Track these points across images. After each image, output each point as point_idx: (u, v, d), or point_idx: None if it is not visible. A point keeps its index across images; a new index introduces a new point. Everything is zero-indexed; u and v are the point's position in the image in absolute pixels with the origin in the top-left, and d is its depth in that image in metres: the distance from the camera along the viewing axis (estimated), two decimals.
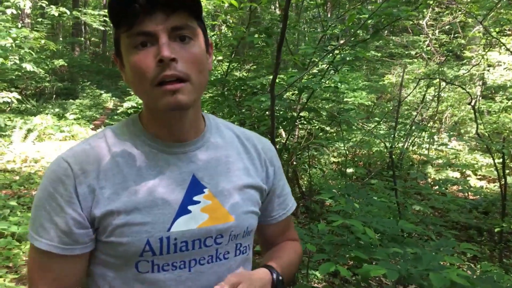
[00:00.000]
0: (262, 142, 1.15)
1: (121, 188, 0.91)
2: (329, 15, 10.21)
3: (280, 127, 4.89)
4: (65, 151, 0.95)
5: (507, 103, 9.85)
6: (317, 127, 5.67)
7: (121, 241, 0.90)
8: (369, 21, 3.66)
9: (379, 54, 10.85)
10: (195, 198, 0.96)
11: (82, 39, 22.48)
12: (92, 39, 26.65)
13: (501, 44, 7.45)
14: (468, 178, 8.31)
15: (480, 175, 8.69)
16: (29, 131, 10.16)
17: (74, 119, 12.83)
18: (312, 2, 9.03)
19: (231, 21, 6.06)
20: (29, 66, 9.53)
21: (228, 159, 1.04)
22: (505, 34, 9.45)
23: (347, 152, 6.15)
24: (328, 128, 6.03)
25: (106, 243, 0.92)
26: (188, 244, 0.94)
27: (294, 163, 5.81)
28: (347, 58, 3.71)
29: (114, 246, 0.91)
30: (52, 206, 0.89)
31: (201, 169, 0.99)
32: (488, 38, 8.50)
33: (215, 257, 0.98)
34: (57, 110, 13.36)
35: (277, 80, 3.13)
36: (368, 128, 5.37)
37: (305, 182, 6.65)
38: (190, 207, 0.95)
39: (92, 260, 0.96)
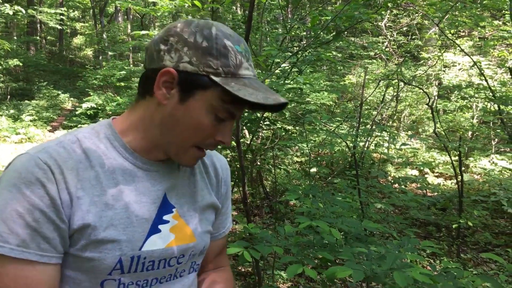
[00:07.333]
0: (220, 160, 1.16)
1: (99, 201, 0.87)
2: (289, 16, 10.30)
3: (245, 128, 4.89)
4: (37, 150, 0.86)
5: (462, 102, 10.22)
6: (280, 127, 5.70)
7: (93, 257, 0.86)
8: (331, 23, 3.71)
9: (340, 55, 11.03)
10: (165, 218, 0.96)
11: (38, 38, 21.68)
12: (48, 37, 25.77)
13: (456, 46, 7.71)
14: (426, 176, 8.58)
15: (437, 172, 8.99)
16: None
17: (30, 121, 12.42)
18: (274, 2, 9.08)
19: None
20: None
21: (195, 178, 1.06)
22: (459, 36, 9.79)
23: (310, 152, 6.22)
24: (291, 128, 6.07)
25: (76, 256, 0.87)
26: (155, 264, 0.94)
27: (258, 163, 5.82)
28: (311, 59, 3.74)
29: (84, 261, 0.87)
30: (28, 210, 0.80)
31: (170, 189, 0.99)
32: (444, 40, 8.79)
33: (173, 275, 1.00)
34: (12, 111, 12.89)
35: None
36: (330, 128, 5.44)
37: (269, 183, 6.67)
38: (160, 226, 0.95)
39: None
